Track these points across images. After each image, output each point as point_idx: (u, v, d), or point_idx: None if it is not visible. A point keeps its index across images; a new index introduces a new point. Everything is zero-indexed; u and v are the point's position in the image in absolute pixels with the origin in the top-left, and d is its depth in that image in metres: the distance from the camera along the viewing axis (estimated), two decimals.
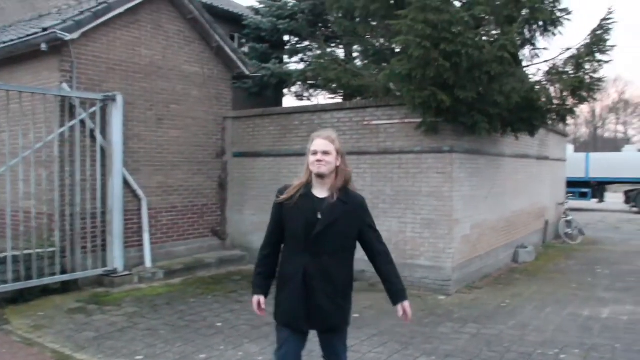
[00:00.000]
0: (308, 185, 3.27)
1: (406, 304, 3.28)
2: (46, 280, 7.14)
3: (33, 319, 6.25)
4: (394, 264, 3.36)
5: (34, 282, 7.00)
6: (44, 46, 7.69)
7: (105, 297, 7.27)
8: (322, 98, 15.12)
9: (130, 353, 5.21)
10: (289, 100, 33.56)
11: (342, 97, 12.81)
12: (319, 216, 3.19)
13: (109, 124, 7.99)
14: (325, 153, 3.19)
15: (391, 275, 3.32)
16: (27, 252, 7.05)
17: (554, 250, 12.09)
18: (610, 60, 7.89)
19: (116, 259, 7.95)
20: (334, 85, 9.95)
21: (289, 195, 3.26)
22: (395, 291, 3.31)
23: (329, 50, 11.18)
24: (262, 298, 3.38)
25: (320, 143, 3.21)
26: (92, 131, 7.97)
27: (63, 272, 7.47)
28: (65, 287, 7.46)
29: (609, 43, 7.84)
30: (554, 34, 8.31)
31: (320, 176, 3.21)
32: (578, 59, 7.88)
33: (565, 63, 8.09)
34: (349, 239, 3.28)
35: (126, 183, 8.39)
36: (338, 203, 3.21)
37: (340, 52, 13.29)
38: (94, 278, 7.85)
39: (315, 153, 3.20)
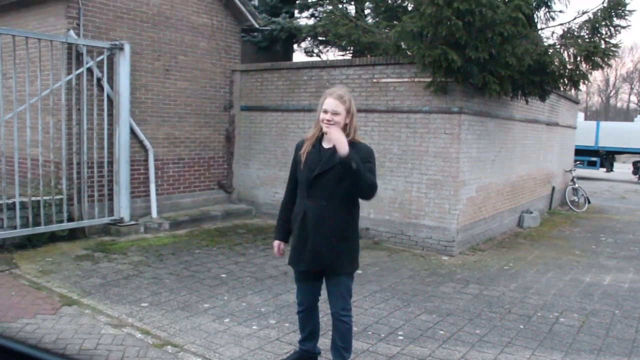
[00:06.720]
0: (319, 137, 3.49)
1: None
2: (53, 227, 7.22)
3: (41, 264, 6.34)
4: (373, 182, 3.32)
5: (42, 229, 7.07)
6: None
7: (112, 246, 7.35)
8: (332, 55, 14.95)
9: (135, 300, 5.29)
10: (298, 56, 33.21)
11: (351, 54, 12.63)
12: (319, 164, 3.42)
13: (116, 73, 7.92)
14: (335, 113, 3.33)
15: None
16: (35, 199, 7.11)
17: (559, 217, 12.10)
18: (628, 26, 7.65)
19: (122, 208, 8.01)
20: (344, 42, 9.76)
21: (304, 149, 3.51)
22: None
23: (340, 5, 10.96)
24: (281, 243, 3.75)
25: (331, 102, 3.35)
26: (99, 80, 7.90)
27: (70, 219, 7.55)
28: (73, 235, 7.55)
29: (628, 7, 7.61)
30: None
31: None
32: (594, 23, 7.67)
33: (581, 27, 7.88)
34: (345, 185, 3.35)
35: (133, 133, 8.37)
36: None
37: (352, 9, 13.05)
38: (100, 227, 7.93)
39: (325, 112, 3.35)
